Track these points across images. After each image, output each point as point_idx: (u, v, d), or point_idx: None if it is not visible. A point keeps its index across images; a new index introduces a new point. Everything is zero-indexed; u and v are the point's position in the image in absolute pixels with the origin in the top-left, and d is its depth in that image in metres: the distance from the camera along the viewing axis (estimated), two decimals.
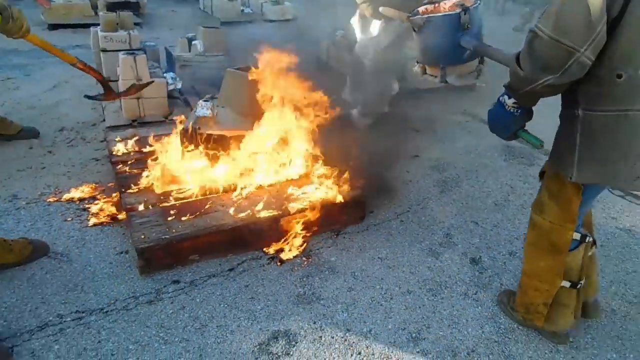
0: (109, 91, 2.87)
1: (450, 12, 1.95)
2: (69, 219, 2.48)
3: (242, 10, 8.14)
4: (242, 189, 2.47)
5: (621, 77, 1.13)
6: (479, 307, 2.03)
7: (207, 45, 4.44)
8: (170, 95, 3.78)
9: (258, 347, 1.77)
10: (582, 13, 1.09)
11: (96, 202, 2.60)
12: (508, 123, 1.49)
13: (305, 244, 2.33)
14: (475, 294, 2.10)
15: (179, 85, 4.02)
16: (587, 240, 1.68)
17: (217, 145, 2.53)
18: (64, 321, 1.83)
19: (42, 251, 2.18)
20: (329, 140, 2.68)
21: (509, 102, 1.45)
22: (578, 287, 1.71)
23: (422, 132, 3.78)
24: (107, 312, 1.89)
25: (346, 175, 2.56)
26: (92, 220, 2.45)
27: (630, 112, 1.16)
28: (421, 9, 2.12)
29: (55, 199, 2.64)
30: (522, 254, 2.39)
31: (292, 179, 2.60)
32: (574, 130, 1.30)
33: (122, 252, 2.24)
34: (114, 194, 2.65)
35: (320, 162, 2.67)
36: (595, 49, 1.14)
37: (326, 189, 2.50)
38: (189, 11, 8.89)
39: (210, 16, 8.38)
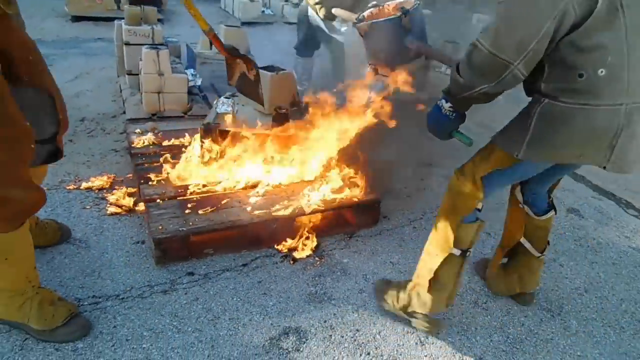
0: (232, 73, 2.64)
1: (392, 17, 2.00)
2: (88, 207, 2.53)
3: (263, 11, 8.23)
4: (261, 185, 2.51)
5: (582, 76, 1.25)
6: (488, 316, 2.04)
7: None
8: (190, 92, 3.83)
9: (269, 341, 1.79)
10: (516, 33, 1.25)
11: (114, 192, 2.65)
12: (444, 125, 1.64)
13: (318, 244, 2.36)
14: (485, 302, 2.11)
15: (199, 82, 4.08)
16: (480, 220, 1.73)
17: (236, 141, 2.57)
18: (81, 305, 1.87)
19: (66, 236, 2.25)
20: (346, 146, 2.70)
21: (446, 106, 1.59)
22: (467, 254, 1.73)
23: (437, 141, 3.79)
24: (122, 298, 1.93)
25: (362, 179, 2.59)
26: (110, 210, 2.50)
27: (588, 106, 1.27)
28: (366, 13, 2.18)
29: (75, 187, 2.70)
30: None
31: (309, 180, 2.63)
32: (530, 114, 1.40)
33: (138, 242, 2.28)
34: (132, 185, 2.70)
35: (338, 164, 2.70)
36: (527, 64, 1.29)
37: (342, 191, 2.52)
38: (210, 10, 9.00)
39: (231, 16, 8.48)
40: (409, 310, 1.87)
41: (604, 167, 1.35)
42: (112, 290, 1.96)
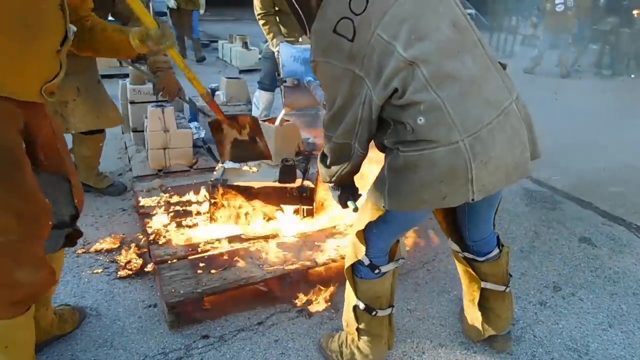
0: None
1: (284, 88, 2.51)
2: (98, 270, 2.51)
3: (260, 59, 8.42)
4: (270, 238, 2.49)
5: (407, 128, 1.35)
6: None
7: (230, 95, 4.58)
8: (194, 145, 3.88)
9: None
10: (341, 122, 1.45)
11: (124, 253, 2.64)
12: (337, 197, 1.83)
13: (333, 295, 2.32)
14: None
15: (202, 134, 4.14)
16: (384, 270, 1.75)
17: (245, 196, 2.58)
18: None
19: (83, 314, 2.17)
20: None
21: (330, 184, 1.79)
22: (373, 313, 1.75)
23: None
24: None
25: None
26: (120, 273, 2.48)
27: (425, 150, 1.35)
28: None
29: (84, 250, 2.68)
30: (550, 304, 2.35)
31: (320, 229, 2.62)
32: (384, 168, 1.50)
33: (150, 306, 2.25)
34: (141, 245, 2.69)
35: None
36: (360, 143, 1.48)
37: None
38: (209, 60, 9.23)
39: (229, 64, 8.70)
40: None
41: (472, 200, 1.40)
42: None
